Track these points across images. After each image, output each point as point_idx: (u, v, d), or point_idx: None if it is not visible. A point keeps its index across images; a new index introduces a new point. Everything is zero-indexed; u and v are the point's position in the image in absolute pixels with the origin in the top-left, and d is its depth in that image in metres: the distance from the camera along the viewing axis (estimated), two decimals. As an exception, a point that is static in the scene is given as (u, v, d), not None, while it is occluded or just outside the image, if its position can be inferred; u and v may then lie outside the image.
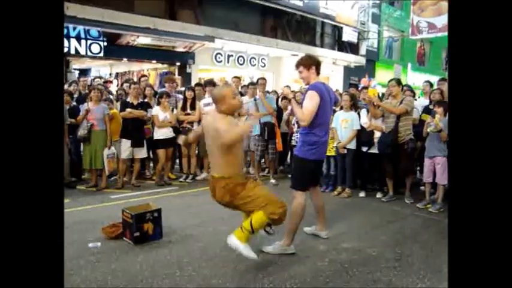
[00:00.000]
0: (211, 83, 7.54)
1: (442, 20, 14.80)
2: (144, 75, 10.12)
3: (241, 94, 7.95)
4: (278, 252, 3.79)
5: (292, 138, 7.18)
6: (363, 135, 6.19)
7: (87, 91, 7.28)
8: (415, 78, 18.00)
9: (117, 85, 9.67)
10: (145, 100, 7.01)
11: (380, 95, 7.23)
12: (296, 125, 6.98)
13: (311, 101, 3.70)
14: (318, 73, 3.91)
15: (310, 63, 3.86)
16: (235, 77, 8.84)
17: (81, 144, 6.52)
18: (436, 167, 5.55)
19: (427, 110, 6.43)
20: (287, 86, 8.60)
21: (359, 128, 6.18)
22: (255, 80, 8.02)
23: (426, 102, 7.12)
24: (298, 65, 3.91)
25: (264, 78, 7.45)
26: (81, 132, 6.22)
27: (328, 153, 5.67)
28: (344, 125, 6.19)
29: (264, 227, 3.47)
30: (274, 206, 3.29)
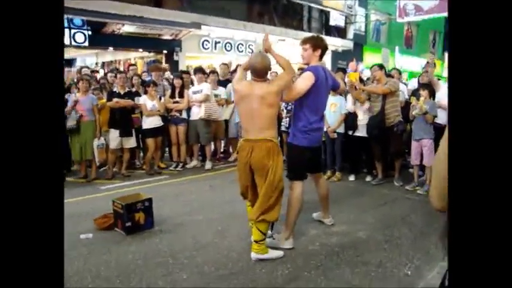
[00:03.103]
0: (200, 70, 7.50)
1: (429, 3, 14.78)
2: (132, 65, 10.01)
3: (229, 80, 7.92)
4: (275, 245, 3.62)
5: (282, 123, 7.17)
6: (348, 119, 6.23)
7: (75, 80, 7.18)
8: (403, 61, 18.01)
9: (104, 74, 9.57)
10: (133, 89, 6.97)
11: (365, 79, 7.22)
12: (285, 111, 6.97)
13: (304, 81, 3.57)
14: (320, 59, 3.81)
15: (318, 44, 3.75)
16: (223, 63, 8.80)
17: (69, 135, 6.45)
18: (423, 149, 5.61)
19: (414, 93, 6.46)
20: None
21: (347, 112, 6.20)
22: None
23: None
24: (306, 42, 3.76)
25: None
26: (70, 123, 6.14)
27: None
28: (333, 109, 6.19)
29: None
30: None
